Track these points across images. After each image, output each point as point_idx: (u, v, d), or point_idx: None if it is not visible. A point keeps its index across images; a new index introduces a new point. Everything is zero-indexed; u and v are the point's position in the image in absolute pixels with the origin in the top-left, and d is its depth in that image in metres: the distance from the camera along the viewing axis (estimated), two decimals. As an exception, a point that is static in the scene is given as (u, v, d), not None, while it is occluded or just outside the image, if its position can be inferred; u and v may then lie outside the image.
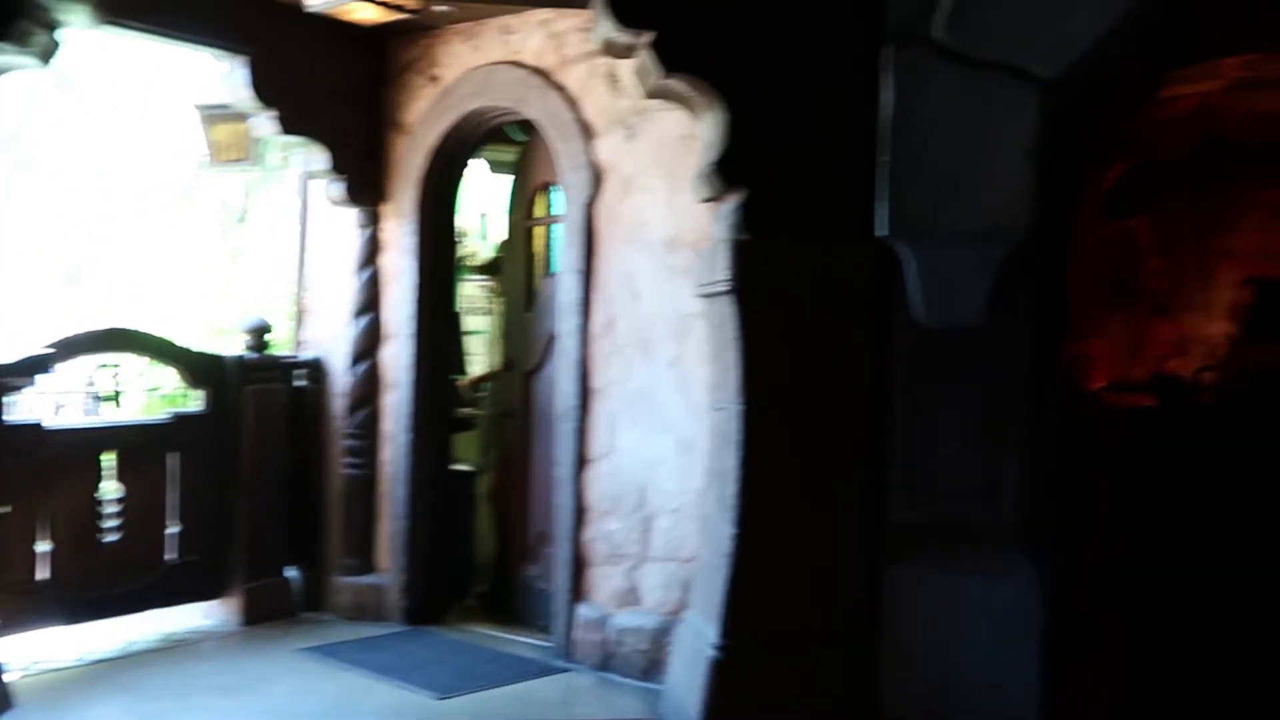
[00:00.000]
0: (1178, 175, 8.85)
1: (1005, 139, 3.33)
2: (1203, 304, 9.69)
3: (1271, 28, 3.97)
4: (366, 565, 5.27)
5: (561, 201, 5.00)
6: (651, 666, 4.30)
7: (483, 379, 5.95)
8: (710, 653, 3.66)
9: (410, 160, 5.23)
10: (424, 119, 5.21)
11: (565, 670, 4.53)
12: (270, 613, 5.17)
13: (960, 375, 3.60)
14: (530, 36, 4.87)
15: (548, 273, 5.24)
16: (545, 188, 5.28)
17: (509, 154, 5.91)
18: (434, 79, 5.20)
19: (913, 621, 3.55)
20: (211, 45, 4.80)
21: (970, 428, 3.59)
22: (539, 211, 5.35)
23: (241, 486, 5.17)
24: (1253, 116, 8.07)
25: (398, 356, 5.24)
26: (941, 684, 3.51)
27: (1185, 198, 9.18)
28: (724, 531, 3.71)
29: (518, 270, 5.46)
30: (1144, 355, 9.31)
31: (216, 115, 6.03)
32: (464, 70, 5.08)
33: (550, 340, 5.01)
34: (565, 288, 4.74)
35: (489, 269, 6.45)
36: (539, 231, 5.37)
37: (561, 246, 4.94)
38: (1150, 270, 9.43)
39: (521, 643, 4.87)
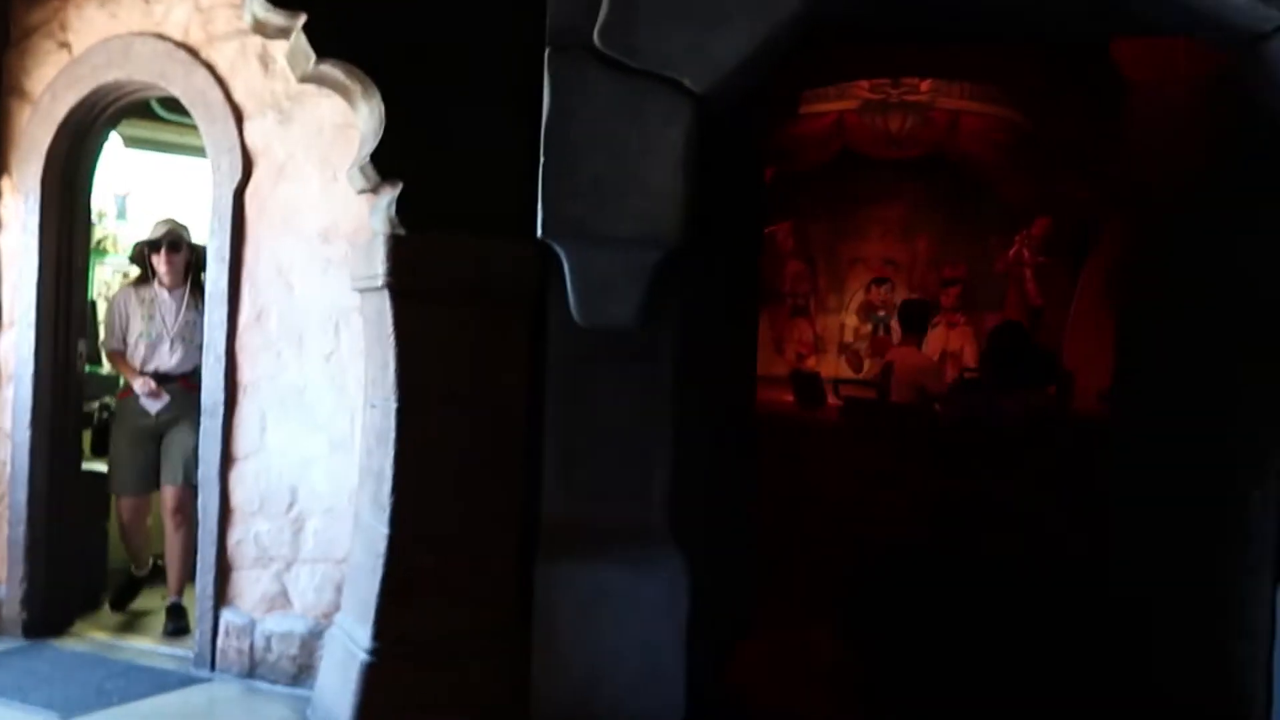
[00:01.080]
0: (817, 186, 9.57)
1: (658, 148, 3.44)
2: (836, 305, 10.54)
3: (899, 56, 4.35)
4: (-22, 577, 4.76)
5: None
6: (302, 672, 4.14)
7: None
8: (363, 656, 3.58)
9: (35, 132, 4.75)
10: (52, 88, 4.74)
11: (208, 680, 4.28)
12: None
13: (615, 375, 3.71)
14: (175, 8, 4.54)
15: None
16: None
17: (155, 131, 5.51)
18: (64, 45, 4.75)
19: (564, 618, 3.62)
20: None
21: (622, 427, 3.69)
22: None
23: None
24: (883, 136, 8.85)
25: (17, 347, 4.76)
26: (592, 675, 3.61)
27: (823, 207, 9.97)
28: (378, 532, 3.64)
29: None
30: (786, 353, 10.00)
31: None
32: (99, 39, 4.67)
33: (200, 331, 4.71)
34: (211, 277, 4.47)
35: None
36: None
37: (209, 233, 4.66)
38: (791, 274, 10.19)
39: (159, 654, 4.56)
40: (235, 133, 4.43)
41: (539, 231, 3.49)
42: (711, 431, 3.90)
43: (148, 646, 4.64)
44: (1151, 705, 3.87)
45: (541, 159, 3.48)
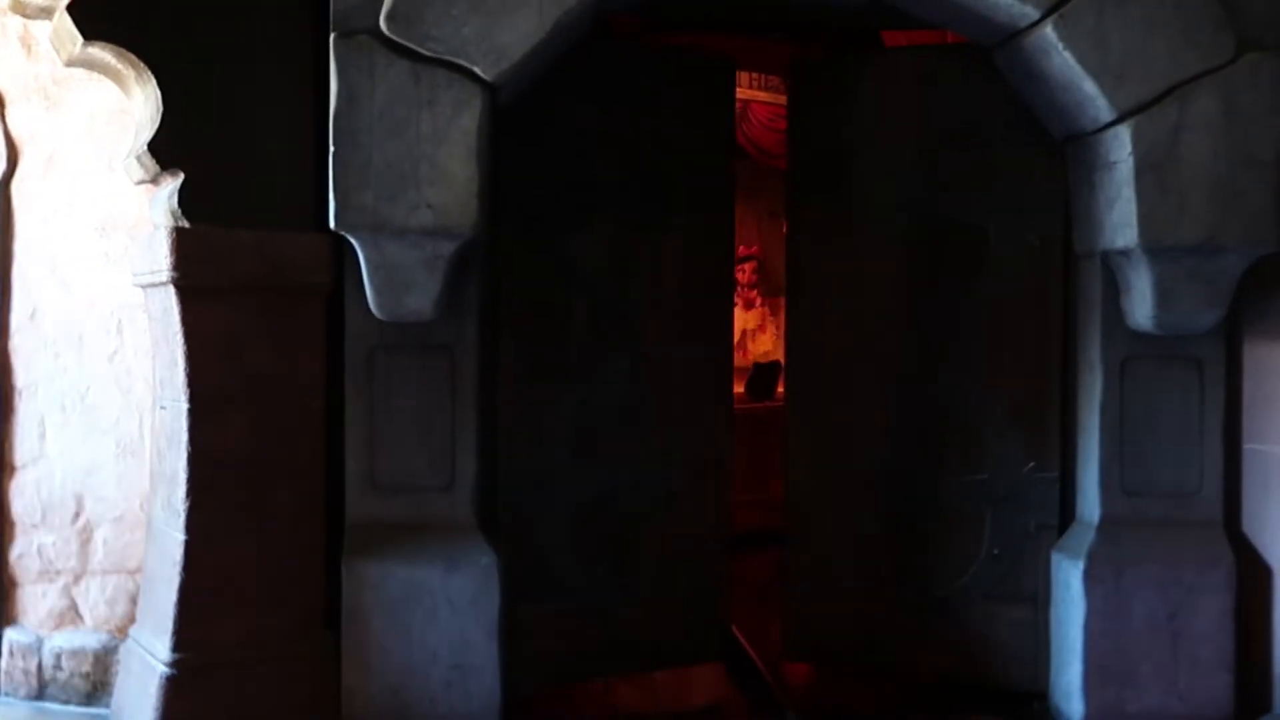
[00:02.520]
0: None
1: (452, 137, 3.40)
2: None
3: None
4: None
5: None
6: (97, 690, 3.95)
7: None
8: (162, 669, 3.44)
9: None
10: None
11: (-10, 705, 4.05)
12: None
13: (416, 369, 3.65)
14: (-78, -15, 4.22)
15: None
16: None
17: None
18: None
19: (373, 617, 3.57)
20: None
21: (426, 420, 3.65)
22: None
23: None
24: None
25: None
26: (405, 676, 3.57)
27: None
28: (173, 538, 3.50)
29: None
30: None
31: None
32: None
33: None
34: (-26, 275, 4.18)
35: None
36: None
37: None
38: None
39: (-66, 679, 4.27)
40: (-3, 120, 4.15)
41: (331, 223, 3.41)
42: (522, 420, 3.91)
43: (-80, 672, 4.34)
44: (936, 674, 4.11)
45: (331, 148, 3.39)
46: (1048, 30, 3.51)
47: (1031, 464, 3.96)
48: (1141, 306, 3.62)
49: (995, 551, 3.99)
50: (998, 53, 3.81)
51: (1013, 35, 3.64)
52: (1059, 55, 3.52)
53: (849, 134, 4.09)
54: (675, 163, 4.02)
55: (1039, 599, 3.95)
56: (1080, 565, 3.74)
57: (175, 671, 3.43)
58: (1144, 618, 3.72)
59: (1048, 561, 3.92)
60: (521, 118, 3.75)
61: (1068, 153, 3.87)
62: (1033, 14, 3.51)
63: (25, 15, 3.62)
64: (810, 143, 4.20)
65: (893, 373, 4.05)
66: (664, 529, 4.05)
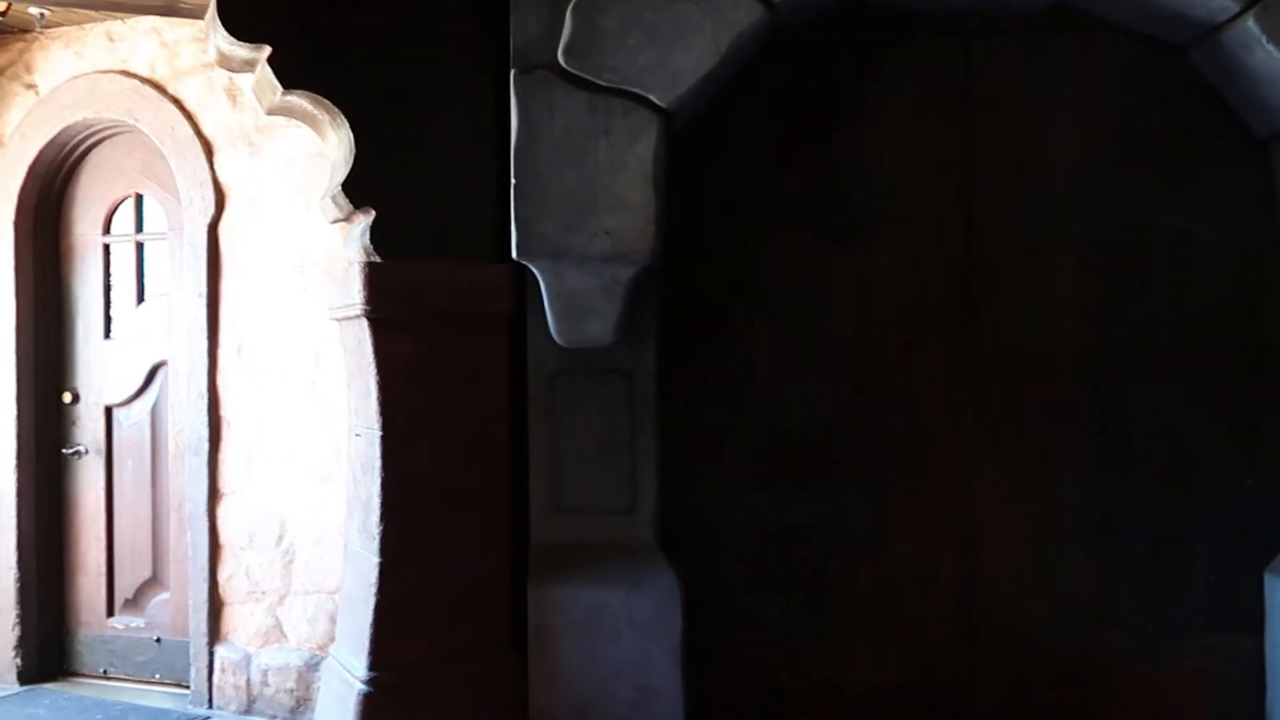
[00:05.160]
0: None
1: (628, 164, 3.45)
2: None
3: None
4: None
5: (159, 218, 4.73)
6: (300, 705, 4.14)
7: None
8: (359, 686, 3.56)
9: (4, 175, 4.75)
10: (20, 130, 4.74)
11: (206, 718, 4.27)
12: None
13: (597, 393, 3.70)
14: (140, 44, 4.55)
15: (140, 297, 4.84)
16: (125, 202, 4.86)
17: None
18: (31, 86, 4.74)
19: (558, 638, 3.61)
20: None
21: (607, 444, 3.68)
22: (121, 229, 4.88)
23: None
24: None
25: (-1, 392, 4.75)
26: (589, 695, 3.60)
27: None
28: (368, 561, 3.63)
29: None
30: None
31: None
32: (65, 79, 4.66)
33: (154, 370, 4.71)
34: (184, 313, 4.47)
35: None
36: (121, 250, 4.88)
37: (170, 268, 4.65)
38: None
39: (156, 694, 4.54)
40: (206, 166, 4.44)
41: (514, 252, 3.49)
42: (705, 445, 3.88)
43: (144, 688, 4.62)
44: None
45: (512, 180, 3.48)
46: (1249, 23, 3.32)
47: (1250, 481, 3.72)
48: (1360, 311, 3.38)
49: (1211, 579, 3.75)
50: (1194, 50, 3.63)
51: (1210, 31, 3.47)
52: (1261, 49, 3.33)
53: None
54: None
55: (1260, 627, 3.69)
56: (1298, 587, 3.50)
57: (371, 689, 3.55)
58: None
59: (1269, 586, 3.65)
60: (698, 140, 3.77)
61: (1275, 151, 3.65)
62: (1232, 7, 3.33)
63: (230, 69, 3.84)
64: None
65: (1085, 386, 3.84)
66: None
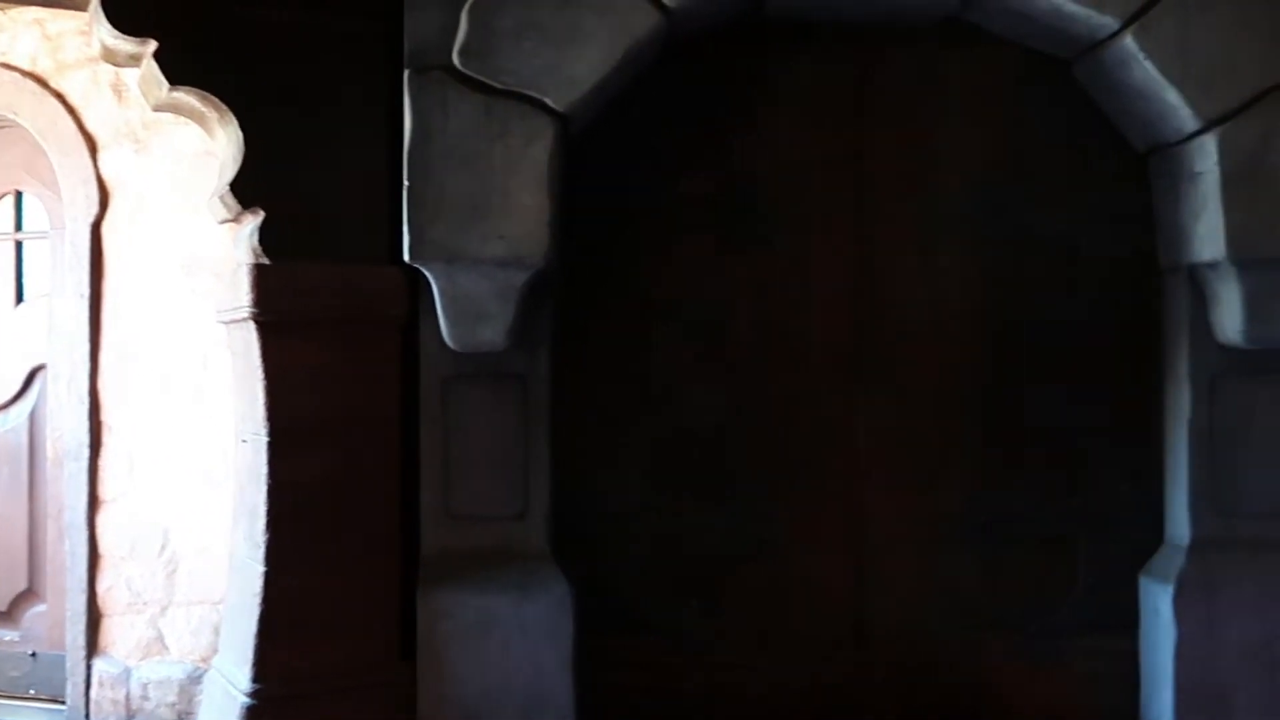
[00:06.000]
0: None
1: (524, 167, 3.43)
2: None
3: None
4: None
5: (40, 216, 4.56)
6: (181, 719, 4.02)
7: None
8: (242, 699, 3.48)
9: (-125, 172, 4.56)
10: (-109, 124, 4.55)
11: (83, 734, 4.14)
12: None
13: (490, 399, 3.66)
14: (21, 37, 4.39)
15: (19, 298, 4.67)
16: (4, 199, 4.68)
17: None
18: (-96, 79, 4.55)
19: (448, 646, 3.56)
20: None
21: (500, 449, 3.65)
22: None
23: None
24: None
25: None
26: (479, 703, 3.56)
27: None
28: (253, 570, 3.55)
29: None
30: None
31: None
32: (-59, 71, 4.48)
33: (33, 373, 4.53)
34: (65, 314, 4.32)
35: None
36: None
37: (51, 268, 4.49)
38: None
39: (31, 709, 4.38)
40: (90, 164, 4.30)
41: (405, 255, 3.45)
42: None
43: (18, 704, 4.44)
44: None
45: (405, 182, 3.44)
46: (1128, 40, 3.43)
47: (1127, 485, 3.84)
48: (1231, 320, 3.50)
49: (1092, 580, 3.85)
50: (1077, 65, 3.73)
51: (1092, 47, 3.57)
52: (1140, 66, 3.44)
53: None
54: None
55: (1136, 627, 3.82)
56: (1170, 589, 3.61)
57: (255, 701, 3.47)
58: (1238, 643, 3.57)
59: (1144, 587, 3.78)
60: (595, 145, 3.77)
61: (1151, 165, 3.77)
62: (1112, 24, 3.44)
63: (116, 63, 3.73)
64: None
65: (974, 392, 3.93)
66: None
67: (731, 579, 3.87)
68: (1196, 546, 3.64)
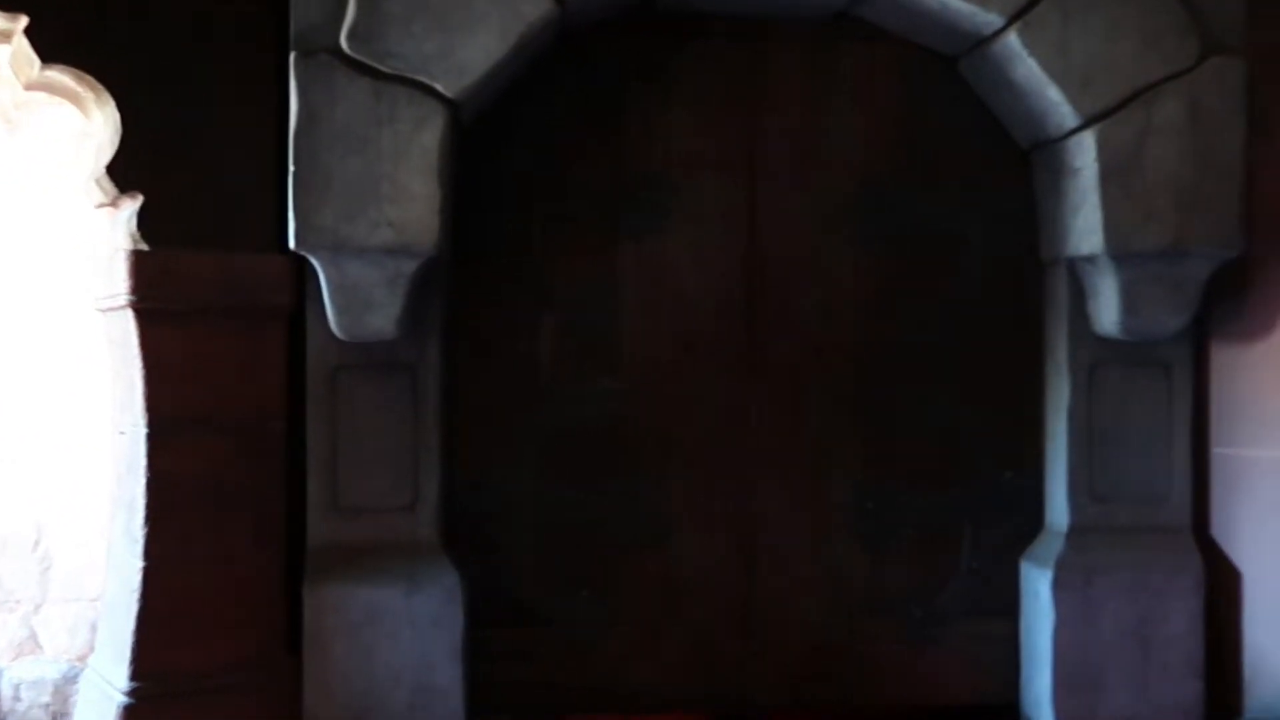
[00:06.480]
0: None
1: (413, 154, 3.37)
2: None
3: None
4: None
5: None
6: (57, 720, 3.91)
7: None
8: (120, 698, 3.38)
9: None
10: None
11: (-49, 739, 3.99)
12: None
13: (379, 389, 3.60)
14: (-119, 10, 4.19)
15: None
16: None
17: None
18: None
19: (335, 641, 3.51)
20: None
21: (389, 440, 3.59)
22: None
23: None
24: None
25: None
26: (366, 697, 3.51)
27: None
28: (132, 565, 3.45)
29: None
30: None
31: None
32: None
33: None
34: (-65, 301, 4.14)
35: None
36: None
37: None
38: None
39: (-106, 714, 4.21)
40: (-43, 145, 4.13)
41: (291, 243, 3.38)
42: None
43: (-121, 707, 4.27)
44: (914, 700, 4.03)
45: (291, 167, 3.36)
46: (1012, 38, 3.50)
47: (1010, 473, 3.94)
48: (1108, 312, 3.62)
49: (974, 565, 3.95)
50: (963, 62, 3.80)
51: (978, 44, 3.64)
52: (1023, 63, 3.52)
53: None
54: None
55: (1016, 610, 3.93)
56: (1049, 574, 3.72)
57: (133, 700, 3.38)
58: (1113, 625, 3.70)
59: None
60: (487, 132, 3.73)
61: (1034, 160, 3.87)
62: (997, 22, 3.51)
63: (-16, 39, 3.58)
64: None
65: (861, 383, 3.99)
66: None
67: (623, 569, 3.86)
68: (1075, 532, 3.75)
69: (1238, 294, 3.75)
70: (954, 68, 3.86)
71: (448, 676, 3.55)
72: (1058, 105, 3.53)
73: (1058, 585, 3.71)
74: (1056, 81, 3.50)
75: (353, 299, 3.42)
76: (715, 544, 3.90)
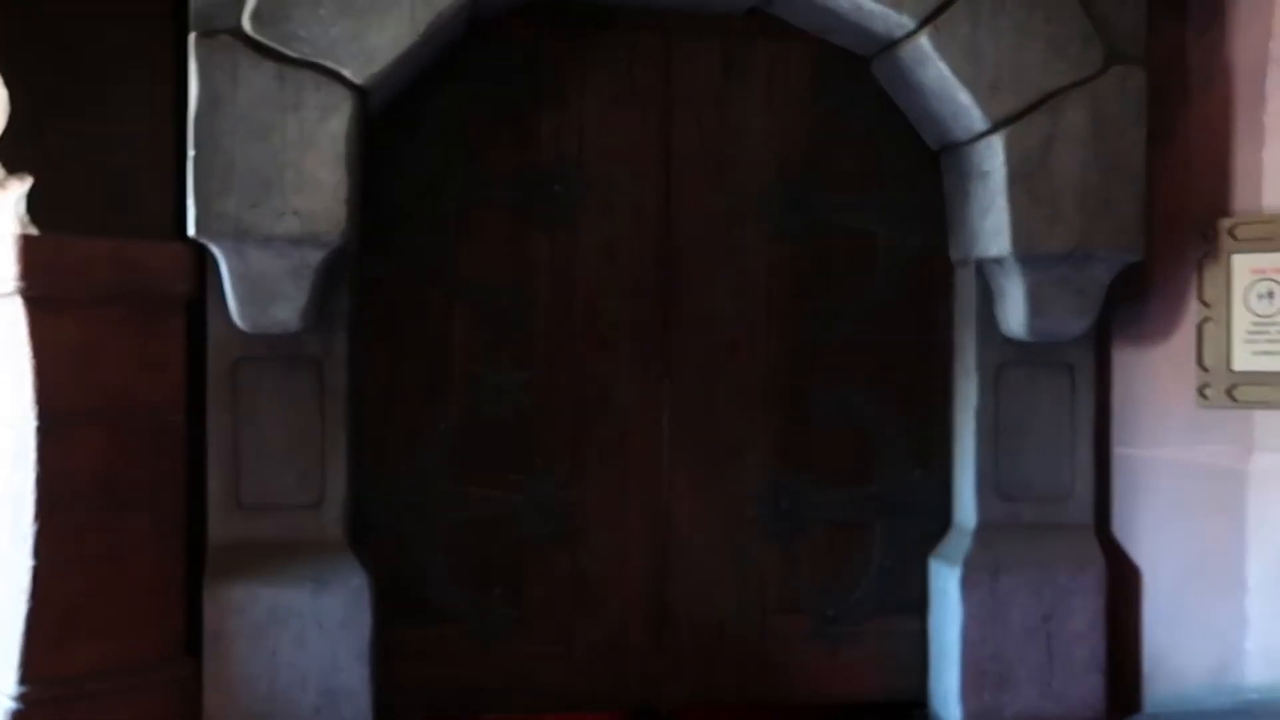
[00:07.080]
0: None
1: (320, 141, 3.28)
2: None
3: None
4: None
5: None
6: (-63, 727, 3.71)
7: None
8: (8, 704, 3.24)
9: None
10: None
11: None
12: None
13: (283, 382, 3.50)
14: None
15: None
16: None
17: None
18: None
19: (237, 643, 3.42)
20: None
21: (294, 436, 3.50)
22: None
23: None
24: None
25: None
26: (270, 701, 3.42)
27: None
28: (21, 565, 3.30)
29: None
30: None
31: None
32: None
33: None
34: None
35: None
36: None
37: None
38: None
39: None
40: None
41: (191, 230, 3.26)
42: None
43: None
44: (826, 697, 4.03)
45: (190, 152, 3.24)
46: (923, 40, 3.53)
47: (919, 471, 3.98)
48: (1015, 314, 3.68)
49: (886, 564, 3.98)
50: (875, 63, 3.83)
51: (889, 45, 3.67)
52: (934, 65, 3.55)
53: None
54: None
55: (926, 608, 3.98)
56: (957, 571, 3.77)
57: (22, 706, 3.24)
58: (1019, 621, 3.77)
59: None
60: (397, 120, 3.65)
61: (944, 162, 3.91)
62: (908, 24, 3.53)
63: None
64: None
65: (773, 380, 3.99)
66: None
67: (534, 566, 3.82)
68: (982, 530, 3.81)
69: (1138, 297, 3.85)
70: (867, 68, 3.88)
71: (356, 678, 3.47)
72: (967, 108, 3.57)
73: (965, 583, 3.76)
74: (966, 85, 3.54)
75: (256, 289, 3.32)
76: (628, 539, 3.88)
